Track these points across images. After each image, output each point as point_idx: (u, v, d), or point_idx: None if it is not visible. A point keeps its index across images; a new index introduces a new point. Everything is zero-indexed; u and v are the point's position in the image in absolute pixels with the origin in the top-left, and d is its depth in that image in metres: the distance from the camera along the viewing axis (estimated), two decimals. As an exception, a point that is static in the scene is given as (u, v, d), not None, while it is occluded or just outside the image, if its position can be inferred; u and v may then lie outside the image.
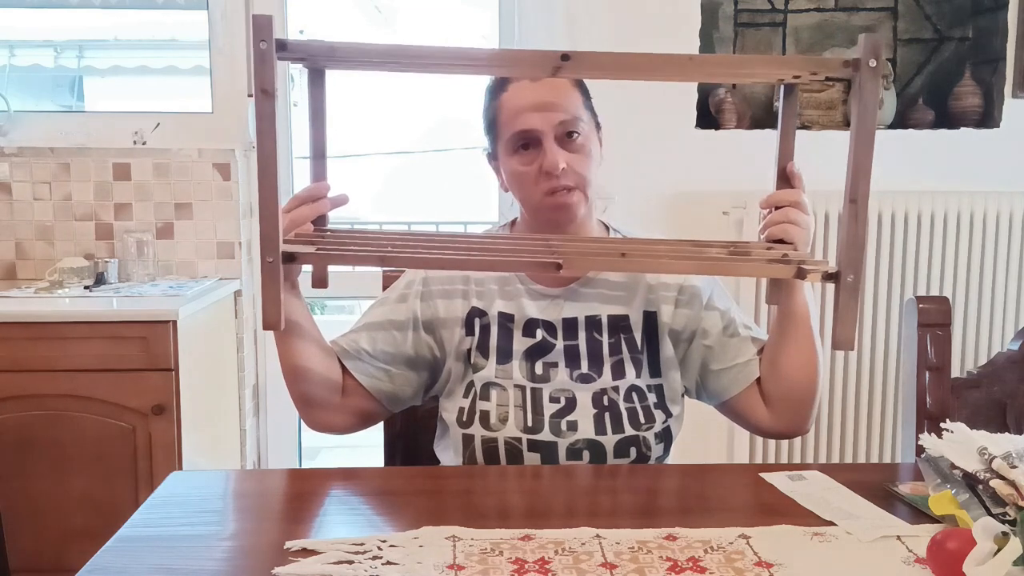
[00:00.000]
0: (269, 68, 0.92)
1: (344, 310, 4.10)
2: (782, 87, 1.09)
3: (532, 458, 1.20)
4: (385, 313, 1.28)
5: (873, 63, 0.95)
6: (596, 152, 1.23)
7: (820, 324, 1.21)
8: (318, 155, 1.11)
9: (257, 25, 0.92)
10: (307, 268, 1.10)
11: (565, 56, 0.97)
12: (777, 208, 1.12)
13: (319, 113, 1.09)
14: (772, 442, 2.57)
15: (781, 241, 1.10)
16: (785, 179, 1.12)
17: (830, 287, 1.00)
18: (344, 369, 1.24)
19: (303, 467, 2.74)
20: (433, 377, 1.28)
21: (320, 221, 1.11)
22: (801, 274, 1.01)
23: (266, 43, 0.92)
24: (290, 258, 0.98)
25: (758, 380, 1.25)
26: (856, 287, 0.98)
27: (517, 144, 1.20)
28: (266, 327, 0.99)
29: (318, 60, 1.02)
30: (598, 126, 1.26)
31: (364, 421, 1.28)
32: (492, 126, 1.24)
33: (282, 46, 0.94)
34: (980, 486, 0.90)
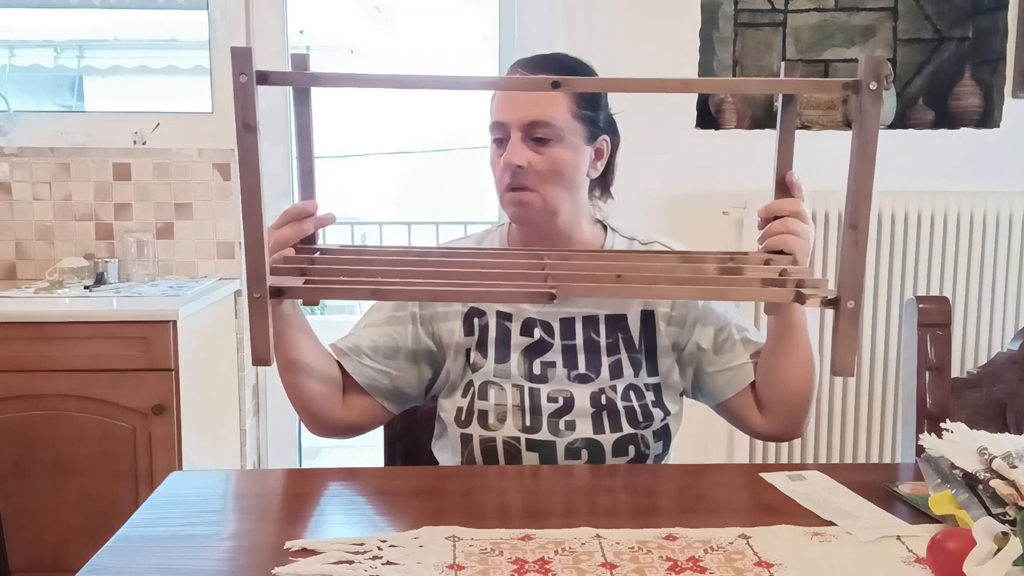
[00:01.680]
0: (251, 101, 0.89)
1: (344, 310, 4.10)
2: (781, 95, 1.08)
3: (530, 457, 1.20)
4: (384, 318, 1.28)
5: (874, 85, 0.91)
6: (575, 161, 1.20)
7: (819, 331, 1.20)
8: (305, 173, 1.10)
9: (236, 57, 0.88)
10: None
11: (555, 83, 0.94)
12: (776, 218, 1.11)
13: (305, 131, 1.07)
14: (772, 442, 2.57)
15: (781, 251, 1.09)
16: (784, 188, 1.11)
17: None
18: (344, 373, 1.24)
19: (303, 467, 2.74)
20: (435, 372, 1.28)
21: (308, 238, 1.10)
22: (800, 299, 0.98)
23: (246, 76, 0.88)
24: (278, 293, 0.95)
25: (753, 384, 1.25)
26: (856, 313, 0.96)
27: (493, 135, 1.22)
28: (255, 362, 0.95)
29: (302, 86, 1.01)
30: (596, 137, 1.23)
31: (366, 425, 1.28)
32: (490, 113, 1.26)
33: (263, 78, 0.90)
34: (980, 486, 0.90)
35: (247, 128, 0.89)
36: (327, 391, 1.22)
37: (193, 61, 2.76)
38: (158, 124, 2.60)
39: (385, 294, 1.00)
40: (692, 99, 2.58)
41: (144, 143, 2.58)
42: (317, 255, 1.06)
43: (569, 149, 1.20)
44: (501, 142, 1.20)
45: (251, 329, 0.94)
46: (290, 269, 1.01)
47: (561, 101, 1.19)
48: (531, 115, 1.17)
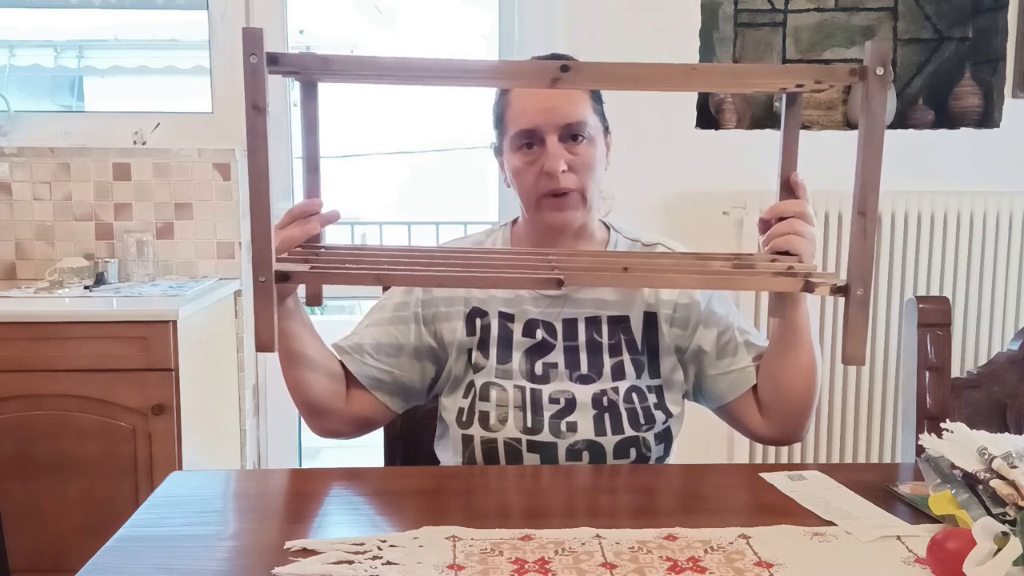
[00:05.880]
0: (260, 83, 0.89)
1: (344, 310, 4.10)
2: (784, 96, 1.07)
3: (531, 459, 1.20)
4: (386, 318, 1.28)
5: (880, 71, 0.91)
6: (601, 156, 1.23)
7: (819, 334, 1.20)
8: (311, 169, 1.10)
9: (247, 38, 0.88)
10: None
11: (564, 67, 0.94)
12: (782, 219, 1.10)
13: (312, 126, 1.07)
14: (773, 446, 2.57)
15: (786, 253, 1.08)
16: (788, 189, 1.10)
17: (830, 297, 0.98)
18: (347, 373, 1.24)
19: (303, 467, 2.74)
20: (437, 370, 1.28)
21: (313, 238, 1.09)
22: (809, 287, 0.97)
23: (256, 57, 0.88)
24: (284, 277, 0.95)
25: (754, 387, 1.24)
26: (866, 301, 0.95)
27: (521, 142, 1.20)
28: (259, 349, 0.95)
29: (311, 73, 1.01)
30: (607, 130, 1.26)
31: (368, 425, 1.28)
32: (500, 121, 1.25)
33: (274, 60, 0.91)
34: (980, 486, 0.90)
35: (256, 109, 0.90)
36: (329, 387, 1.22)
37: (193, 61, 2.76)
38: (158, 124, 2.60)
39: (390, 279, 1.00)
40: (692, 99, 2.58)
41: (144, 143, 2.58)
42: (322, 251, 1.07)
43: (598, 145, 1.22)
44: (531, 148, 1.20)
45: (255, 314, 0.94)
46: (295, 261, 1.01)
47: (584, 99, 1.20)
48: (568, 118, 1.18)
